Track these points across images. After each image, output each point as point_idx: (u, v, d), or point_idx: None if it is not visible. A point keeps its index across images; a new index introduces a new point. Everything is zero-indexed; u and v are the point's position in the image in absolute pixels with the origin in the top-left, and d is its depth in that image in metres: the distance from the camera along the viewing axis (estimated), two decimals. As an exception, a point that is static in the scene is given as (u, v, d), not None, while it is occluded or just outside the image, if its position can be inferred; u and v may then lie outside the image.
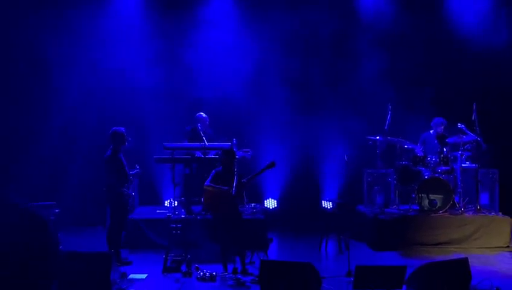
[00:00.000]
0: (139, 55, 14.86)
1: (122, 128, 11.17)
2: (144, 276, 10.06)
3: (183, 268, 10.21)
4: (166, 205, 14.06)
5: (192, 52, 14.84)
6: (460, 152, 13.04)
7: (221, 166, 10.55)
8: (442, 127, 13.48)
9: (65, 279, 8.96)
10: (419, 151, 13.30)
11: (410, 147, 13.53)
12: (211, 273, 9.84)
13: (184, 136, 13.28)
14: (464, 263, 9.20)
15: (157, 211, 13.32)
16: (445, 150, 13.04)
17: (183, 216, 11.66)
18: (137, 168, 11.62)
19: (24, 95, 14.64)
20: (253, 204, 12.99)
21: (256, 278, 9.50)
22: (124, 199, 10.92)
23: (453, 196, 12.79)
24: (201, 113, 13.34)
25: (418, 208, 12.83)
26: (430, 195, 12.72)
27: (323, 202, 13.39)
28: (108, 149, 11.05)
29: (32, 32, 14.56)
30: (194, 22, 15.03)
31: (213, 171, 10.56)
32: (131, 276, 9.99)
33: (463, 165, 13.11)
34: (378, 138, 13.48)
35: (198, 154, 12.73)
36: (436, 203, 12.68)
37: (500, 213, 13.04)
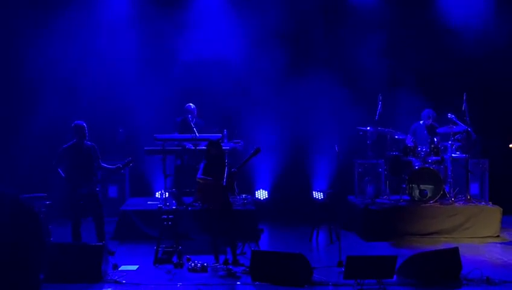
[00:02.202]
0: (128, 46, 14.81)
1: (83, 122, 10.96)
2: (135, 267, 10.05)
3: (175, 259, 10.20)
4: (157, 196, 14.07)
5: (181, 42, 14.83)
6: (450, 142, 13.08)
7: (208, 158, 10.46)
8: (430, 120, 13.51)
9: (56, 270, 8.99)
10: (409, 142, 13.33)
11: (400, 137, 13.56)
12: (202, 264, 9.84)
13: (174, 127, 13.26)
14: (454, 252, 9.27)
15: (148, 202, 13.33)
16: (435, 140, 13.06)
17: (174, 207, 11.65)
18: (121, 163, 11.32)
19: (14, 87, 14.59)
20: (244, 195, 13.01)
21: (248, 269, 9.53)
22: (73, 198, 10.67)
23: (443, 186, 12.83)
24: (190, 104, 13.31)
25: (408, 198, 12.86)
26: (421, 185, 12.75)
27: (314, 192, 13.42)
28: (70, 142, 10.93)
29: (21, 24, 14.51)
30: (182, 12, 15.00)
31: (201, 163, 10.52)
32: (123, 267, 9.98)
33: (453, 155, 13.15)
34: (368, 128, 13.49)
35: (188, 145, 12.72)
36: (427, 193, 12.71)
37: (490, 203, 13.09)
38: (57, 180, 11.30)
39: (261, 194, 15.06)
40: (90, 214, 10.88)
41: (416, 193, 12.75)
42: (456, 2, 15.14)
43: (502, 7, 15.16)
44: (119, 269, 9.90)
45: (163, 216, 10.42)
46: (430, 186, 12.76)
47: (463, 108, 12.91)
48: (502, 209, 12.56)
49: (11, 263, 2.63)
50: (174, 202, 12.30)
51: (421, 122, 13.64)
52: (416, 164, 13.07)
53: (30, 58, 14.56)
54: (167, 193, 12.42)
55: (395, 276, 8.91)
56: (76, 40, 14.60)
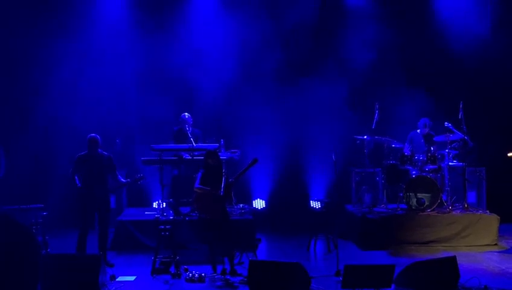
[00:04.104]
0: (124, 57, 14.84)
1: (96, 135, 11.10)
2: (132, 278, 10.04)
3: (172, 269, 10.20)
4: (154, 206, 14.04)
5: (177, 52, 14.83)
6: (447, 151, 13.09)
7: (205, 168, 10.47)
8: (427, 129, 13.54)
9: (54, 281, 8.96)
10: (406, 150, 13.34)
11: (397, 146, 13.57)
12: (199, 275, 9.84)
13: (170, 136, 13.27)
14: (452, 261, 9.26)
15: (146, 212, 13.31)
16: (432, 148, 13.07)
17: (171, 217, 11.66)
18: (131, 179, 11.48)
19: (10, 98, 14.58)
20: (241, 205, 13.01)
21: (245, 279, 9.52)
22: (84, 205, 10.88)
23: (441, 194, 12.83)
24: (185, 114, 13.32)
25: (405, 206, 12.85)
26: (418, 194, 12.75)
27: (311, 201, 13.42)
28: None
29: (15, 29, 14.52)
30: (177, 22, 15.01)
31: (199, 173, 10.53)
32: (120, 278, 9.97)
33: (450, 163, 13.15)
34: (365, 137, 13.51)
35: (185, 155, 12.72)
36: (424, 201, 12.71)
37: (488, 211, 13.08)
38: (59, 189, 11.36)
39: (259, 203, 15.05)
40: (97, 222, 10.96)
41: (414, 201, 12.75)
42: (453, 12, 15.17)
43: (499, 16, 15.18)
44: (117, 279, 9.89)
45: (161, 226, 10.42)
46: (428, 194, 12.76)
47: (459, 116, 12.93)
48: (499, 217, 12.56)
49: (6, 277, 2.63)
50: (171, 212, 12.28)
51: (418, 130, 13.66)
52: (413, 172, 13.08)
53: (27, 69, 14.56)
54: (164, 203, 12.41)
55: (392, 285, 8.90)
56: (73, 51, 14.58)
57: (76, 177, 10.92)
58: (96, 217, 11.07)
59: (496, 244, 12.37)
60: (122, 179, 11.34)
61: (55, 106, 14.50)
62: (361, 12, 15.23)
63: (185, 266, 10.29)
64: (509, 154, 12.72)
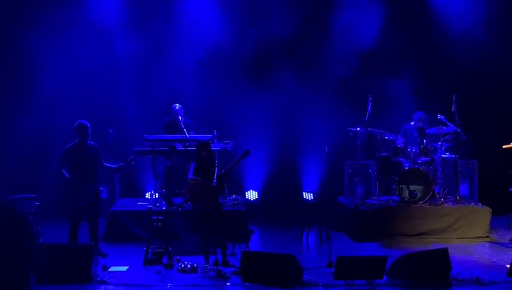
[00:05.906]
0: (117, 47, 14.81)
1: (86, 122, 10.98)
2: (125, 268, 10.04)
3: (165, 260, 10.19)
4: (147, 197, 14.03)
5: (169, 43, 14.82)
6: (440, 143, 13.11)
7: (198, 160, 10.46)
8: (421, 122, 13.53)
9: (46, 271, 8.96)
10: (399, 143, 13.35)
11: (390, 138, 13.57)
12: (192, 265, 9.84)
13: (162, 128, 13.25)
14: (443, 253, 9.30)
15: (138, 203, 13.30)
16: (425, 141, 13.10)
17: (164, 208, 11.63)
18: (123, 162, 11.43)
19: (3, 87, 14.54)
20: (234, 196, 13.00)
21: (238, 270, 9.52)
22: (66, 197, 10.73)
23: (433, 186, 12.85)
24: (176, 105, 13.27)
25: (398, 199, 12.88)
26: (411, 186, 12.77)
27: (304, 193, 13.42)
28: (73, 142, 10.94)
29: (9, 25, 14.48)
30: (169, 12, 14.99)
31: (192, 164, 10.52)
32: (112, 268, 9.96)
33: (443, 156, 13.17)
34: (358, 129, 13.51)
35: (178, 146, 12.70)
36: (417, 194, 12.73)
37: (480, 203, 13.12)
38: (52, 181, 11.34)
39: (251, 195, 15.06)
40: (88, 214, 10.83)
41: (406, 193, 12.77)
42: (446, 3, 15.17)
43: (493, 11, 15.18)
44: (109, 270, 9.88)
45: (153, 217, 10.41)
46: (420, 187, 12.78)
47: (452, 109, 12.95)
48: (491, 209, 12.59)
49: (2, 265, 2.63)
50: (164, 202, 12.27)
51: (412, 123, 13.66)
52: (406, 164, 13.10)
53: (19, 59, 14.52)
54: (157, 194, 12.40)
55: (384, 276, 8.93)
56: (66, 42, 14.54)
57: (64, 171, 10.77)
58: (86, 209, 10.89)
59: (487, 236, 12.41)
60: (112, 165, 11.18)
61: (48, 97, 14.48)
62: (357, 4, 15.19)
63: (178, 257, 10.28)
64: (504, 147, 12.74)
